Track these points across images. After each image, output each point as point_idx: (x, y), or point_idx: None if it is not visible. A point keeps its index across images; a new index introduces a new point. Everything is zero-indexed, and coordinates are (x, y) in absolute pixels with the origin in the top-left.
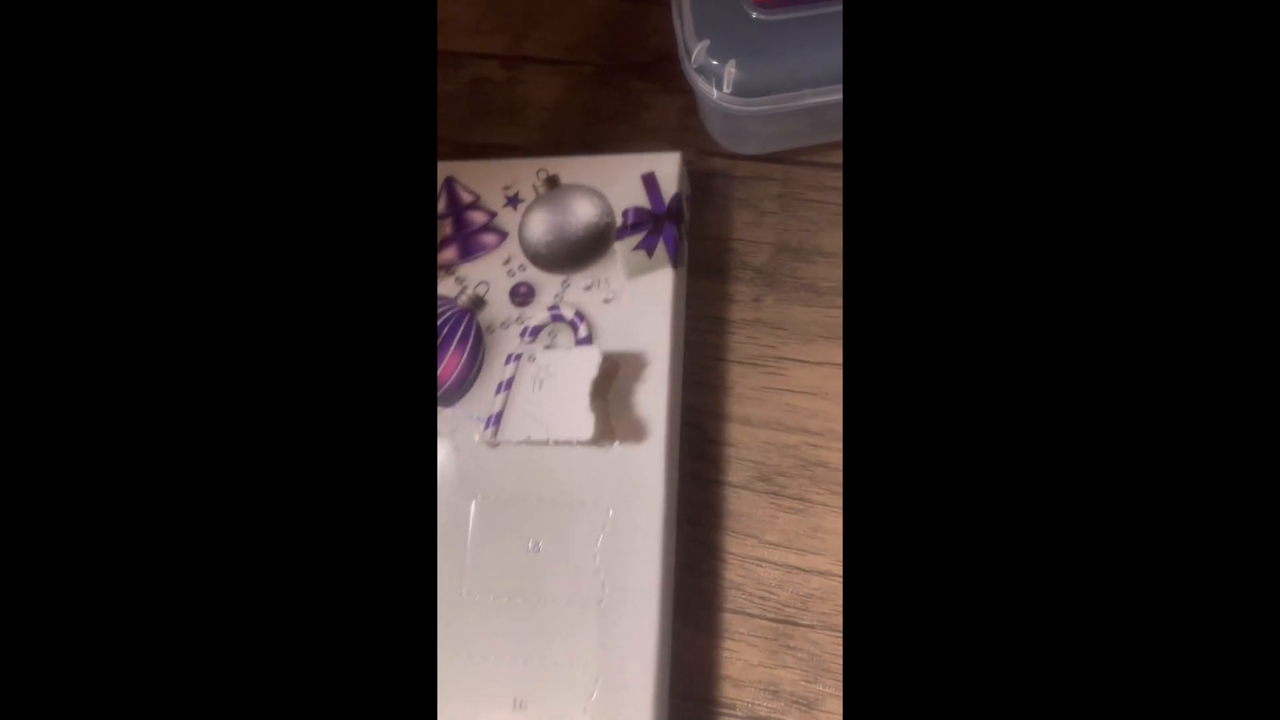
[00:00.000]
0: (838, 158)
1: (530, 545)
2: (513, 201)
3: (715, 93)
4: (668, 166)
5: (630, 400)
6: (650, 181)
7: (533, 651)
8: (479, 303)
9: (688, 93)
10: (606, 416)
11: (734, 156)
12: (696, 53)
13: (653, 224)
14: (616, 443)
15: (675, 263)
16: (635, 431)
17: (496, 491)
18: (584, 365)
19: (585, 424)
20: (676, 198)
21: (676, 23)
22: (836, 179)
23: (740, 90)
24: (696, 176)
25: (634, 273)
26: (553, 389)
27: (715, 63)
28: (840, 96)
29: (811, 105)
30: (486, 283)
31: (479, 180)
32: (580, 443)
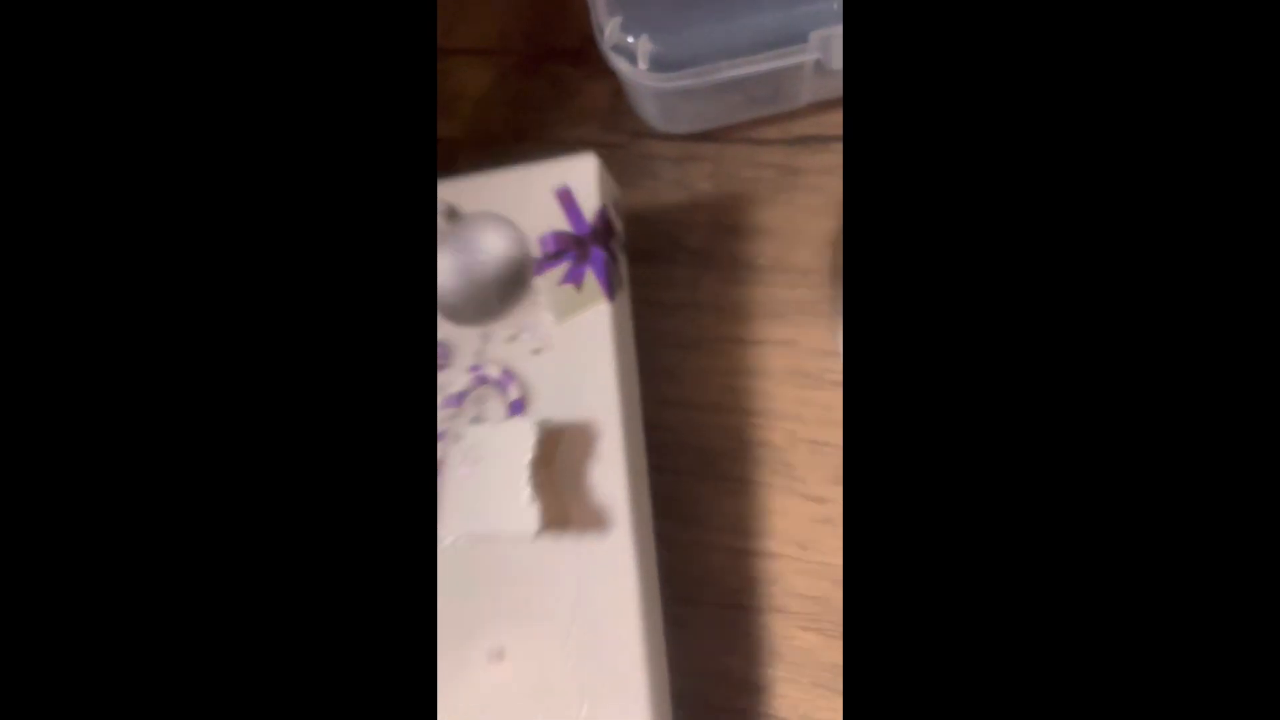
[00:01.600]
0: (770, 133)
1: (490, 650)
2: None
3: (633, 70)
4: (583, 174)
5: (583, 471)
6: (566, 197)
7: None
8: None
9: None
10: (557, 496)
11: (667, 137)
12: (610, 30)
13: (577, 250)
14: (574, 532)
15: (611, 292)
16: (595, 514)
17: (446, 595)
18: (518, 442)
19: (528, 515)
20: (601, 213)
21: (590, 0)
22: (770, 154)
23: (657, 65)
24: (630, 160)
25: (564, 313)
26: (488, 474)
27: (630, 39)
28: (758, 67)
29: (730, 78)
30: None
31: None
32: (529, 536)
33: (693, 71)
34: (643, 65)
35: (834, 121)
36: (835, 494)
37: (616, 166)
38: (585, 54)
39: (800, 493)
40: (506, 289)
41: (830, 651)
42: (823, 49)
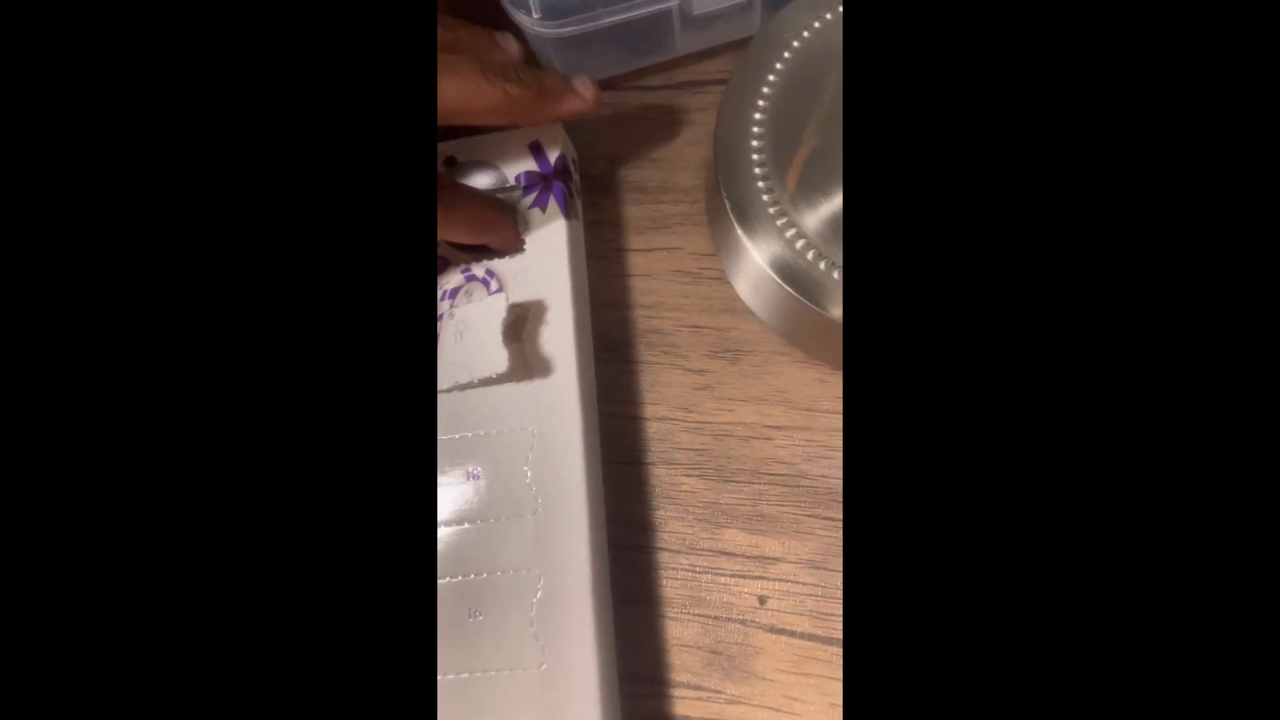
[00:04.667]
0: (655, 80)
1: (468, 473)
2: None
3: (528, 19)
4: (551, 134)
5: (542, 339)
6: (537, 149)
7: (482, 566)
8: None
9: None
10: (523, 357)
11: None
12: None
13: (542, 184)
14: (535, 380)
15: (567, 214)
16: (549, 365)
17: (445, 435)
18: (493, 311)
19: (500, 359)
20: (561, 158)
21: None
22: (655, 98)
23: (548, 15)
24: None
25: (532, 228)
26: (471, 338)
27: None
28: (632, 14)
29: (611, 24)
30: None
31: None
32: (499, 376)
33: (577, 19)
34: (536, 14)
35: (707, 69)
36: (711, 366)
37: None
38: (501, 18)
39: (684, 367)
40: None
41: (709, 492)
42: None
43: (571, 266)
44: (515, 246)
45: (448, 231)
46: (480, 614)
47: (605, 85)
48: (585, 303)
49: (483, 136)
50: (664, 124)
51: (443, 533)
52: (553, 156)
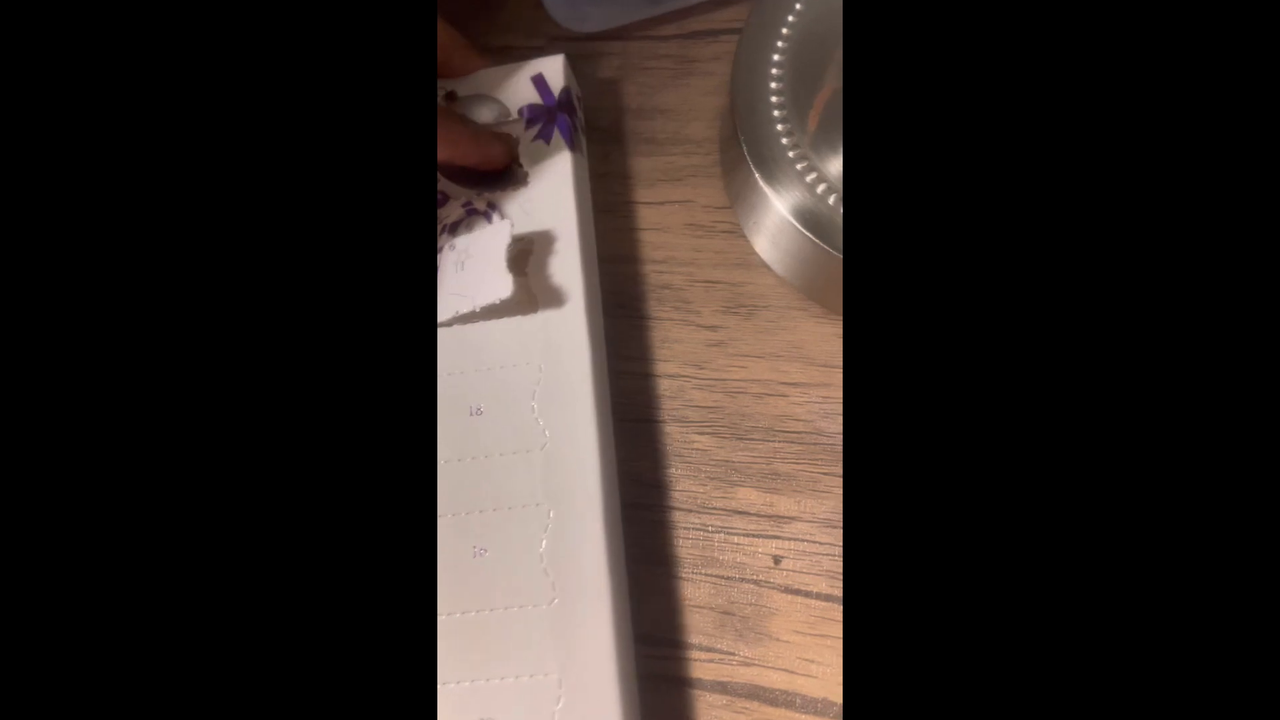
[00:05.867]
0: (668, 30)
1: (472, 409)
2: None
3: None
4: (554, 67)
5: (548, 272)
6: (540, 81)
7: (487, 502)
8: None
9: None
10: (528, 288)
11: (579, 38)
12: None
13: (546, 116)
14: (540, 311)
15: (572, 146)
16: (556, 298)
17: (446, 375)
18: (497, 236)
19: (505, 283)
20: (565, 91)
21: None
22: (666, 48)
23: None
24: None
25: (534, 161)
26: (473, 266)
27: None
28: None
29: None
30: None
31: None
32: (503, 302)
33: None
34: None
35: (722, 17)
36: (725, 321)
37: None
38: None
39: (695, 323)
40: None
41: (721, 450)
42: None
43: (577, 198)
44: (513, 166)
45: (442, 150)
46: (486, 550)
47: (615, 36)
48: (591, 238)
49: (484, 70)
50: (676, 74)
51: (443, 469)
52: (556, 89)
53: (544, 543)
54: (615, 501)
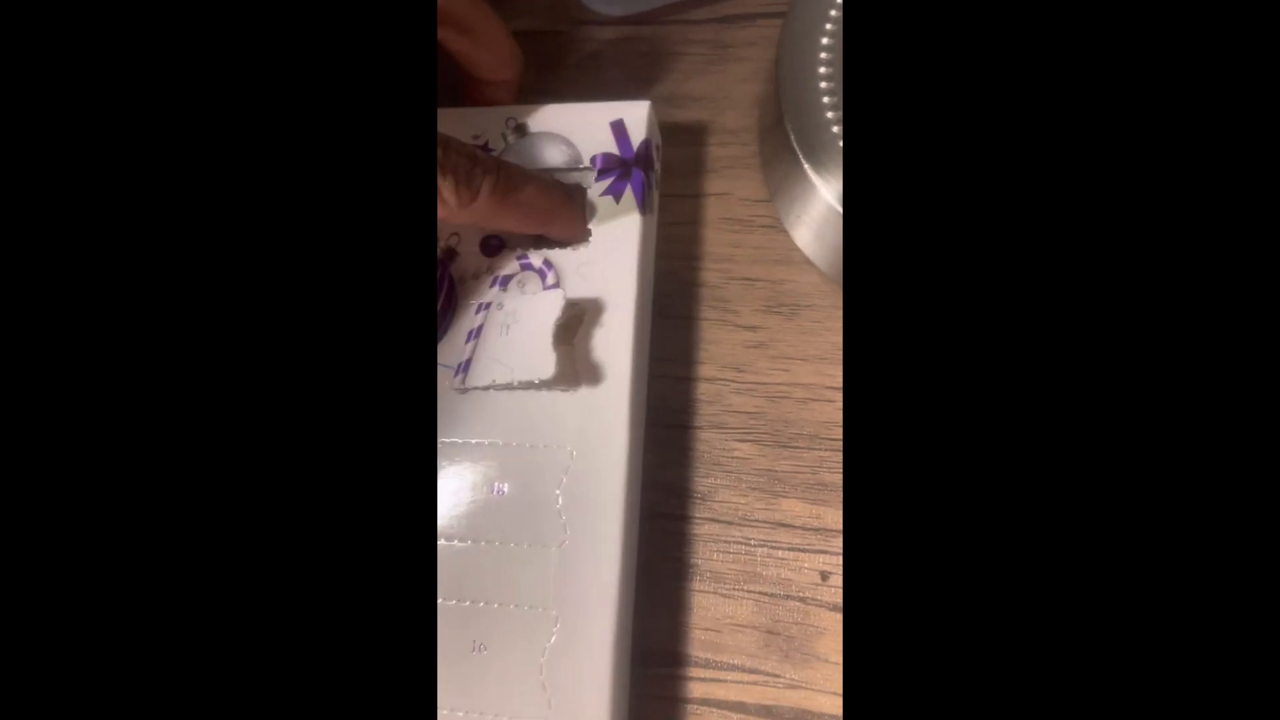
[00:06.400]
0: (701, 14)
1: (494, 487)
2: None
3: None
4: (636, 114)
5: (596, 345)
6: (619, 128)
7: (494, 594)
8: (451, 254)
9: None
10: (572, 361)
11: (606, 22)
12: None
13: (621, 170)
14: (582, 387)
15: (643, 209)
16: (600, 375)
17: (464, 436)
18: (548, 307)
19: (547, 363)
20: (646, 143)
21: None
22: (700, 33)
23: None
24: (572, 45)
25: (601, 219)
26: (518, 333)
27: None
28: None
29: None
30: (458, 234)
31: (447, 129)
32: (542, 381)
33: None
34: None
35: (759, 1)
36: (765, 322)
37: (560, 52)
38: None
39: (734, 323)
40: None
41: (764, 459)
42: None
43: (639, 267)
44: (580, 237)
45: (500, 221)
46: (485, 648)
47: (645, 20)
48: (648, 310)
49: (560, 105)
50: (710, 60)
51: (454, 548)
52: (636, 140)
53: (546, 654)
54: (628, 619)
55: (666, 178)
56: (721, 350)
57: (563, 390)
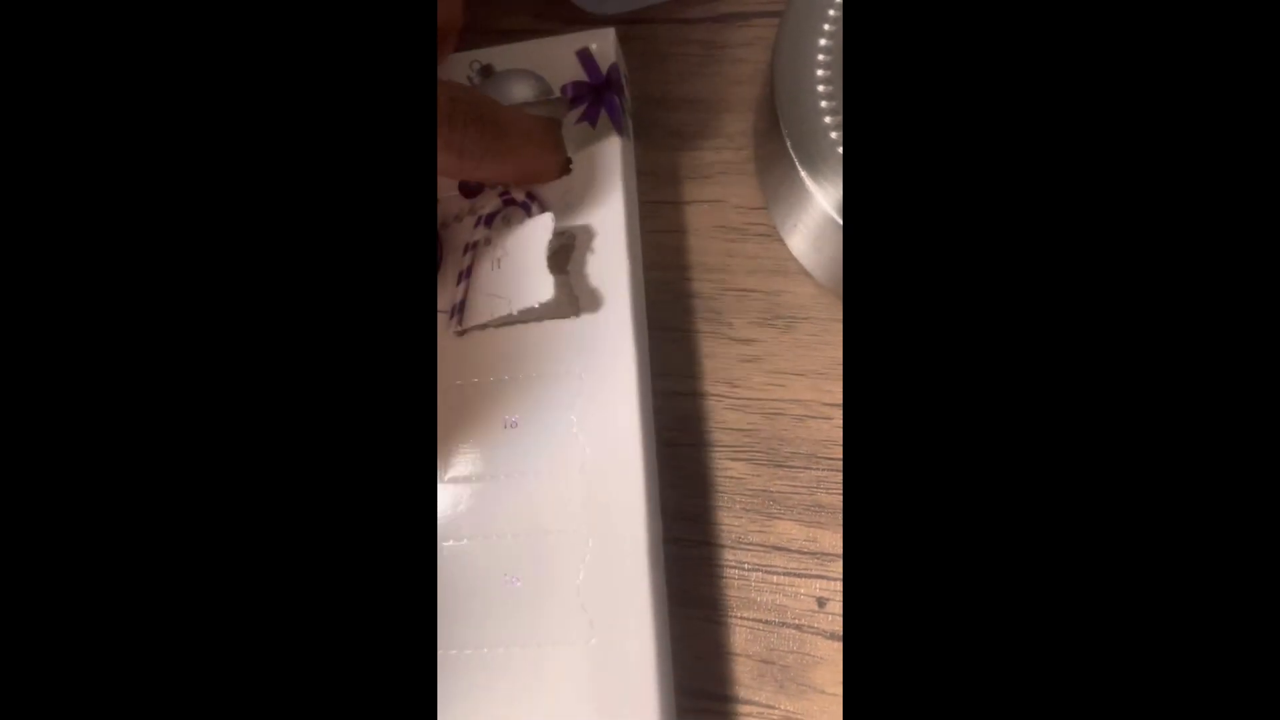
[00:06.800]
0: (696, 13)
1: (505, 421)
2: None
3: None
4: (603, 41)
5: (592, 271)
6: (586, 57)
7: (520, 526)
8: None
9: None
10: (569, 288)
11: (598, 21)
12: None
13: (593, 96)
14: (583, 314)
15: (620, 131)
16: (599, 299)
17: (468, 379)
18: (537, 232)
19: (545, 285)
20: (614, 68)
21: None
22: (694, 33)
23: None
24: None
25: (579, 146)
26: (510, 265)
27: None
28: None
29: None
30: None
31: None
32: (542, 306)
33: None
34: None
35: (756, 0)
36: (760, 335)
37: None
38: None
39: (728, 336)
40: None
41: (758, 479)
42: None
43: (624, 189)
44: (560, 169)
45: (483, 172)
46: (519, 580)
47: (638, 20)
48: (637, 233)
49: (524, 43)
50: (705, 61)
51: (474, 488)
52: (604, 65)
53: (582, 574)
54: (658, 528)
55: (660, 184)
56: (715, 364)
57: (563, 319)
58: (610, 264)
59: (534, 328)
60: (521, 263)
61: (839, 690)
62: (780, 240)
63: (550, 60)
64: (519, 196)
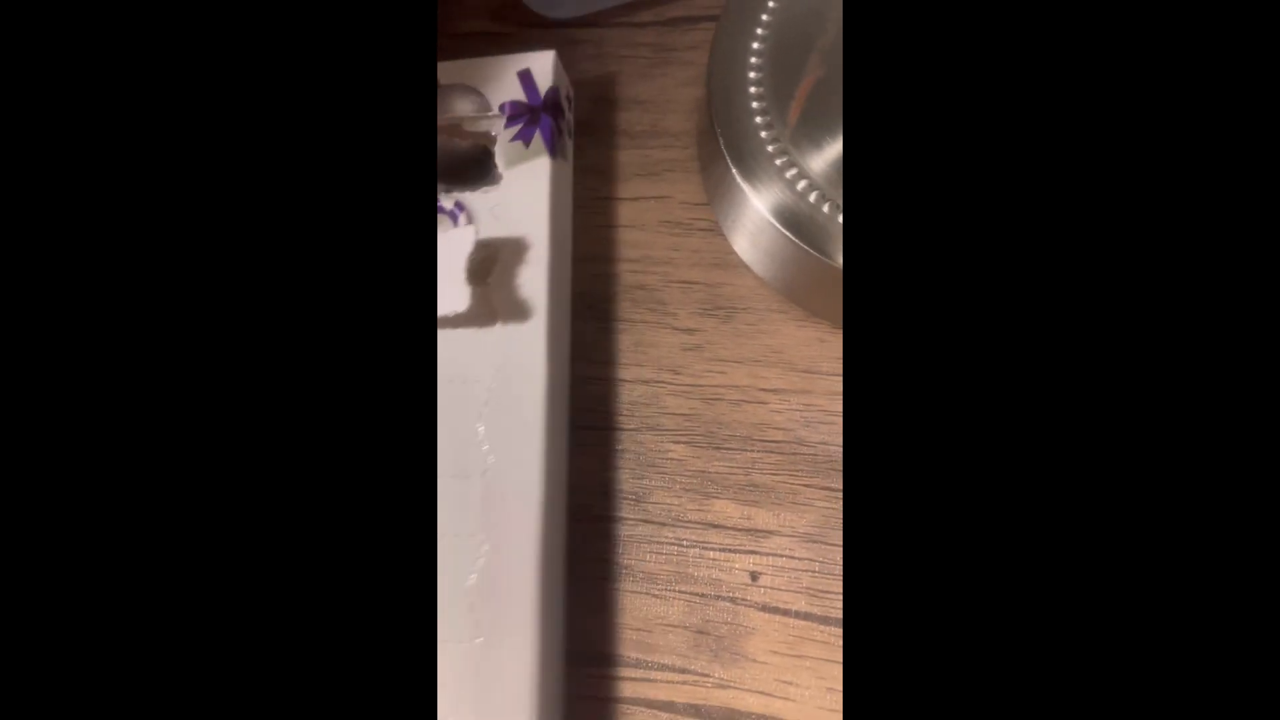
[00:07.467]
0: (645, 17)
1: None
2: None
3: None
4: (543, 63)
5: (513, 284)
6: (526, 77)
7: None
8: None
9: None
10: (488, 300)
11: (552, 25)
12: None
13: (529, 115)
14: (498, 324)
15: (553, 152)
16: (517, 311)
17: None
18: (458, 244)
19: (461, 297)
20: (553, 90)
21: None
22: (645, 35)
23: None
24: (518, 47)
25: (511, 163)
26: None
27: None
28: None
29: None
30: None
31: None
32: (457, 316)
33: None
34: None
35: (703, 3)
36: (702, 324)
37: (507, 54)
38: None
39: (672, 326)
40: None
41: (697, 460)
42: None
43: (552, 207)
44: (488, 162)
45: None
46: None
47: (590, 23)
48: (566, 252)
49: (469, 60)
50: (653, 63)
51: None
52: (543, 87)
53: (474, 578)
54: (559, 537)
55: (609, 181)
56: (660, 353)
57: (479, 328)
58: (532, 277)
59: (448, 336)
60: (441, 275)
61: (769, 659)
62: (722, 235)
63: (492, 78)
64: (447, 205)
